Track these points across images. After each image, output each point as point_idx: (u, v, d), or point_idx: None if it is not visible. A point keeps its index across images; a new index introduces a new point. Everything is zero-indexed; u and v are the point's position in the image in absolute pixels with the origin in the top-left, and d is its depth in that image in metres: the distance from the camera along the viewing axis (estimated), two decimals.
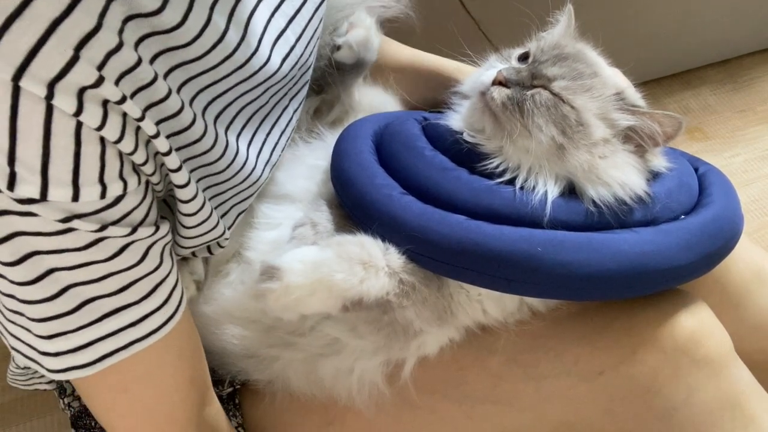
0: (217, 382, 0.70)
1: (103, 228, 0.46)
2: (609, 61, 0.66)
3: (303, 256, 0.55)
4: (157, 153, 0.49)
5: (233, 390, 0.70)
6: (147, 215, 0.50)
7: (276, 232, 0.66)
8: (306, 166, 0.70)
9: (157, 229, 0.51)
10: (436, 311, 0.59)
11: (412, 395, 0.62)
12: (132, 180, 0.47)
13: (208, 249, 0.63)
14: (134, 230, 0.48)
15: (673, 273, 0.56)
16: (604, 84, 0.61)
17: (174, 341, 0.55)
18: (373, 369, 0.61)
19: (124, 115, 0.45)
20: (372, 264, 0.55)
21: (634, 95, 0.63)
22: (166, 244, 0.53)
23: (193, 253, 0.63)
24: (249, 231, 0.67)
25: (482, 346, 0.62)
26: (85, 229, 0.46)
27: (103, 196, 0.45)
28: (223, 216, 0.62)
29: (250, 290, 0.62)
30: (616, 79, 0.64)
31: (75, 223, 0.45)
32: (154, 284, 0.52)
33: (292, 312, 0.55)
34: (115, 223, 0.47)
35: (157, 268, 0.52)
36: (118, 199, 0.47)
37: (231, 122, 0.58)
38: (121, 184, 0.46)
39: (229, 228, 0.63)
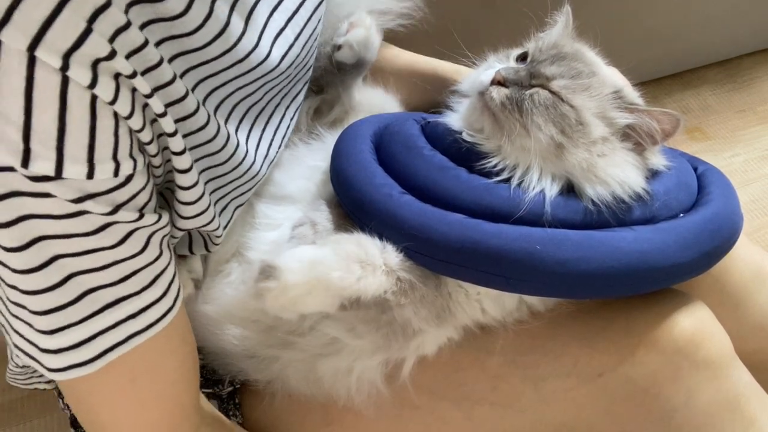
0: (217, 381, 0.70)
1: (113, 211, 0.46)
2: (608, 61, 0.66)
3: (300, 255, 0.55)
4: (161, 134, 0.49)
5: (233, 389, 0.70)
6: (149, 200, 0.50)
7: (276, 232, 0.66)
8: (306, 166, 0.70)
9: (160, 217, 0.51)
10: (435, 310, 0.59)
11: (411, 396, 0.62)
12: (140, 159, 0.47)
13: (205, 246, 0.62)
14: (141, 216, 0.49)
15: (671, 271, 0.56)
16: (602, 83, 0.61)
17: (176, 330, 0.55)
18: (372, 369, 0.61)
19: (133, 90, 0.45)
20: (369, 262, 0.55)
21: (632, 94, 0.63)
22: (165, 236, 0.53)
23: (191, 251, 0.63)
24: (250, 231, 0.68)
25: (481, 346, 0.62)
26: (96, 212, 0.46)
27: (116, 174, 0.45)
28: (222, 210, 0.62)
29: (251, 290, 0.62)
30: (614, 77, 0.64)
31: (87, 205, 0.45)
32: (154, 275, 0.52)
33: (290, 311, 0.55)
34: (123, 205, 0.47)
35: (157, 259, 0.52)
36: (128, 179, 0.47)
37: (229, 115, 0.58)
38: (131, 163, 0.46)
39: (225, 225, 0.63)
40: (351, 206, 0.61)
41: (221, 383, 0.70)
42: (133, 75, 0.44)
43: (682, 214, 0.59)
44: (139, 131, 0.46)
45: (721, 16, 1.41)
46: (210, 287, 0.67)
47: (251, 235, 0.67)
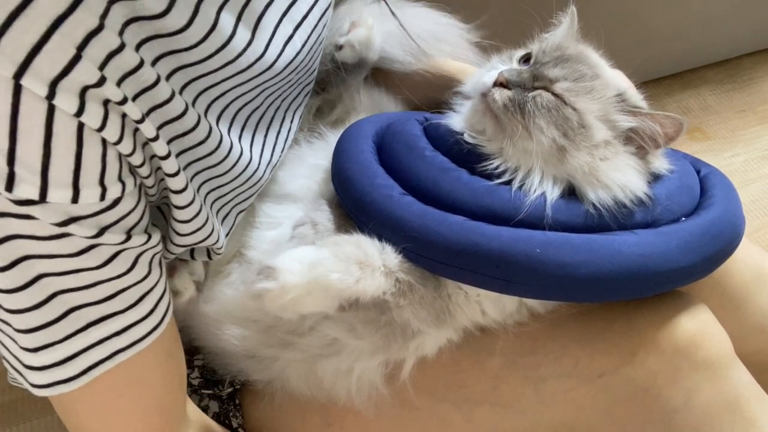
0: (217, 382, 0.70)
1: (99, 234, 0.46)
2: (610, 63, 0.66)
3: (299, 256, 0.55)
4: (153, 156, 0.48)
5: (233, 390, 0.70)
6: (140, 221, 0.50)
7: (277, 231, 0.66)
8: (307, 165, 0.70)
9: (149, 237, 0.50)
10: (434, 311, 0.59)
11: (411, 397, 0.62)
12: (129, 182, 0.47)
13: (208, 254, 0.62)
14: (128, 237, 0.48)
15: (672, 275, 0.56)
16: (605, 85, 0.60)
17: (162, 345, 0.55)
18: (372, 369, 0.61)
19: (123, 115, 0.44)
20: (368, 263, 0.55)
21: (636, 96, 0.63)
22: (155, 254, 0.53)
23: (192, 256, 0.63)
24: (250, 230, 0.67)
25: (481, 348, 0.62)
26: (80, 235, 0.45)
27: (102, 198, 0.45)
28: (224, 218, 0.62)
29: (251, 290, 0.62)
30: (617, 80, 0.64)
31: (71, 228, 0.44)
32: (141, 293, 0.51)
33: (289, 312, 0.55)
34: (110, 227, 0.47)
35: (145, 278, 0.51)
36: (116, 202, 0.46)
37: (231, 123, 0.58)
38: (119, 186, 0.46)
39: (227, 233, 0.63)
40: (351, 206, 0.61)
41: (221, 384, 0.70)
42: (124, 101, 0.43)
43: (684, 218, 0.59)
44: (129, 155, 0.46)
45: (721, 16, 1.41)
46: (210, 287, 0.67)
47: (252, 235, 0.67)
